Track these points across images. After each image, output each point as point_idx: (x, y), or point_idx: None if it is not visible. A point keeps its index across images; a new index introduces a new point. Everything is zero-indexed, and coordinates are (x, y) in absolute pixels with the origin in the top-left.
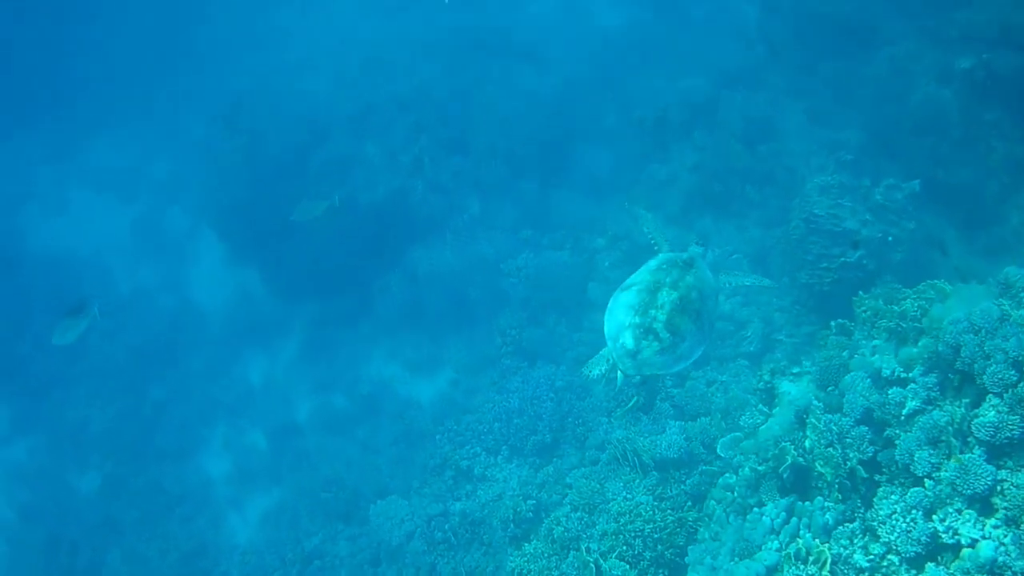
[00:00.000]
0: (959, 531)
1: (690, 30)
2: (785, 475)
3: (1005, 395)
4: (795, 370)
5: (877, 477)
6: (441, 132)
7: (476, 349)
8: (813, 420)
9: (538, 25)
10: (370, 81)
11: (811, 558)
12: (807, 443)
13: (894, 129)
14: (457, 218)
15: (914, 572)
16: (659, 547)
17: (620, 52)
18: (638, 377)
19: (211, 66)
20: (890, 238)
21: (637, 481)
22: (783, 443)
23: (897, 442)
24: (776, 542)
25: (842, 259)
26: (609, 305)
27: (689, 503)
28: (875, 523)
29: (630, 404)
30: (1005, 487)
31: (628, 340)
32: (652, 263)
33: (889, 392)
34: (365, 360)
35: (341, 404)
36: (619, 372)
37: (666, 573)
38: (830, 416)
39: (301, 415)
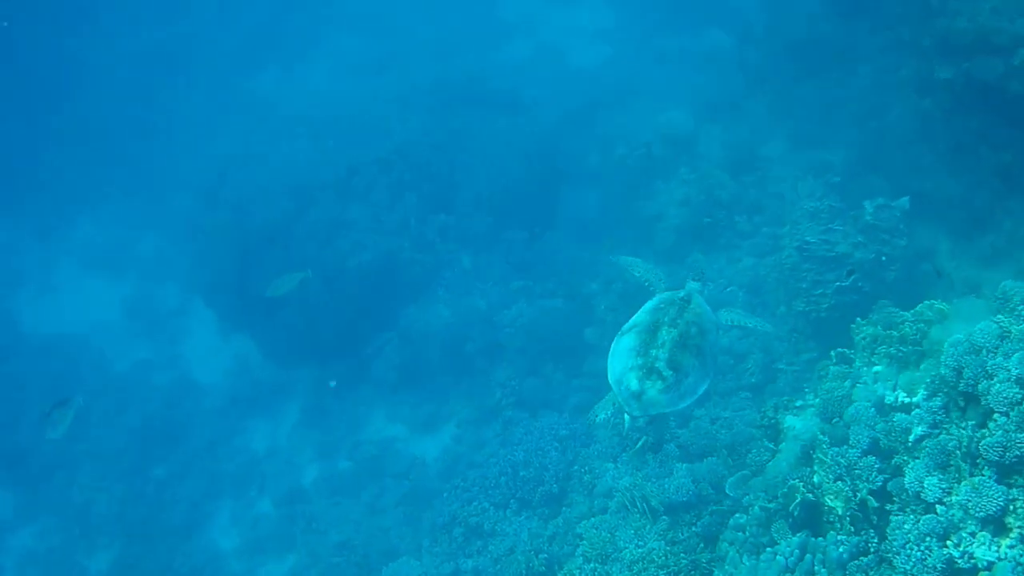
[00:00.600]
0: (974, 555)
1: (665, 64)
2: (796, 512)
3: (1011, 413)
4: (798, 403)
5: (888, 507)
6: (425, 189)
7: (477, 402)
8: (820, 455)
9: (514, 72)
10: (351, 143)
11: None
12: (815, 478)
13: (878, 145)
14: (448, 273)
15: None
16: None
17: (597, 91)
18: (645, 418)
19: (192, 137)
20: (883, 258)
21: (648, 527)
22: (792, 481)
23: (906, 469)
24: None
25: (837, 283)
26: (611, 349)
27: (701, 545)
28: (890, 554)
29: (638, 445)
30: (1017, 506)
31: (632, 382)
32: (650, 304)
33: (894, 419)
34: (366, 422)
35: (346, 467)
36: (625, 415)
37: None
38: (837, 449)
39: (307, 481)
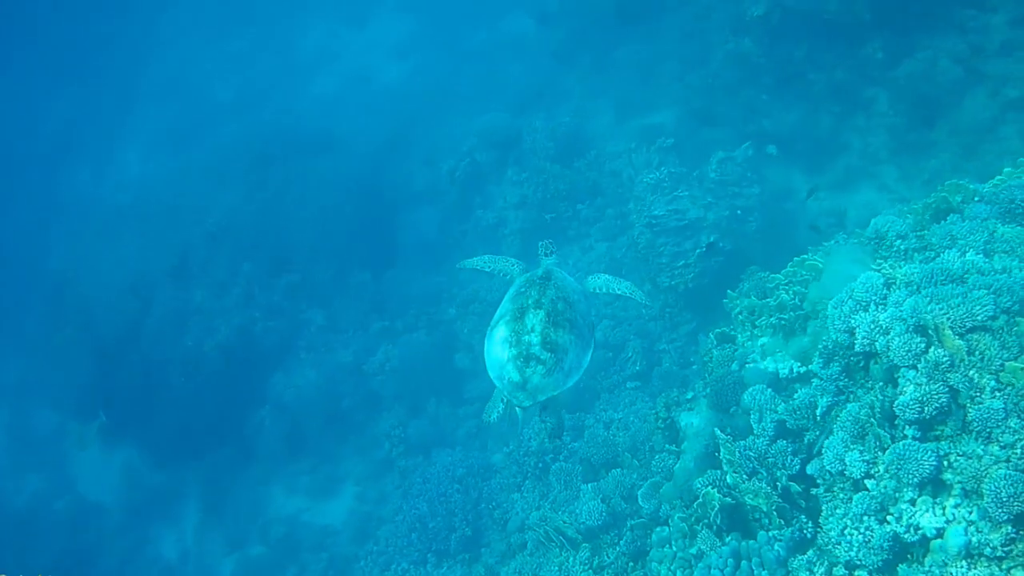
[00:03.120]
0: (920, 525)
1: (473, 62)
2: (718, 521)
3: (919, 365)
4: (689, 396)
5: (813, 490)
6: (260, 254)
7: (367, 456)
8: (726, 455)
9: (323, 110)
10: (175, 228)
11: None
12: (728, 479)
13: (706, 96)
14: (305, 334)
15: None
16: None
17: (410, 108)
18: (536, 406)
19: (23, 256)
20: (739, 212)
21: (571, 560)
22: (706, 489)
23: (823, 447)
24: None
25: (697, 251)
26: (485, 347)
27: (631, 564)
28: (830, 545)
29: (547, 431)
30: (952, 459)
31: (513, 374)
32: (510, 291)
33: (796, 397)
34: (267, 501)
35: (260, 553)
36: (516, 408)
37: None
38: (743, 443)
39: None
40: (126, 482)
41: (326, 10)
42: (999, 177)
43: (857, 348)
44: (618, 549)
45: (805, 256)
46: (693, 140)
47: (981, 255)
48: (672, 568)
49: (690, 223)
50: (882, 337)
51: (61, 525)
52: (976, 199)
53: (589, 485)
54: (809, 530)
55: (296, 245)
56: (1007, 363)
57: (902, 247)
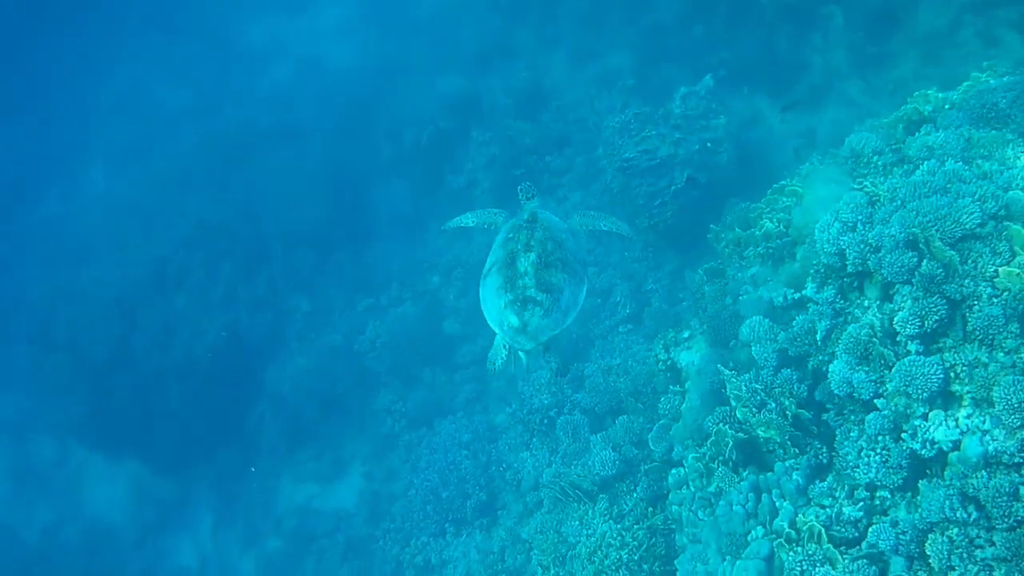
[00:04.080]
0: (935, 439)
1: (421, 31)
2: (733, 457)
3: (913, 280)
4: (685, 335)
5: (824, 416)
6: (237, 251)
7: (371, 433)
8: (733, 391)
9: (279, 101)
10: (149, 239)
11: (804, 535)
12: (738, 414)
13: (660, 33)
14: (292, 323)
15: (910, 495)
16: (644, 567)
17: (367, 85)
18: (538, 348)
19: (3, 287)
20: (708, 144)
21: (590, 512)
22: (717, 426)
23: (828, 371)
24: (759, 528)
25: (673, 188)
26: (481, 297)
27: (650, 509)
28: (848, 469)
29: (552, 370)
30: (958, 370)
31: (512, 319)
32: (498, 238)
33: (795, 324)
34: (277, 494)
35: (277, 545)
36: (520, 352)
37: None
38: (748, 375)
39: (247, 574)
40: (135, 497)
41: (265, 3)
42: (967, 83)
43: (849, 269)
44: (636, 495)
45: (784, 182)
46: (653, 78)
47: (961, 163)
48: (693, 508)
49: (662, 161)
50: (873, 255)
51: (77, 551)
52: (947, 107)
53: (598, 435)
54: (824, 455)
55: (271, 237)
56: (1000, 269)
57: (880, 163)
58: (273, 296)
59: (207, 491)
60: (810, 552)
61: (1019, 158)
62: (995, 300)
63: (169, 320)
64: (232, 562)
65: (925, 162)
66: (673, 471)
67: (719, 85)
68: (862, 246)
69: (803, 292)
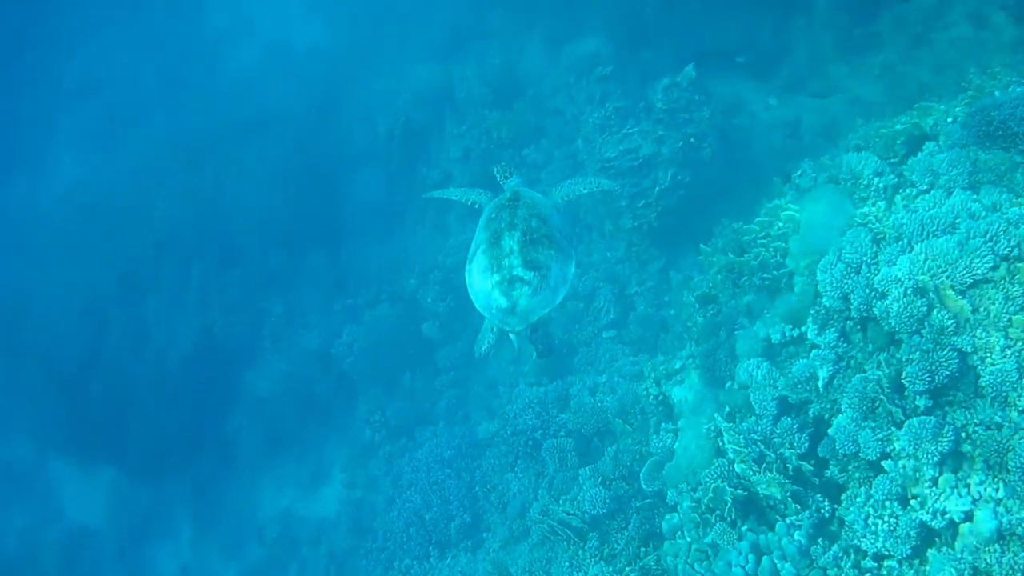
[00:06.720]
0: (946, 510)
1: (393, 11)
2: (732, 515)
3: (923, 330)
4: (677, 365)
5: (827, 473)
6: (209, 252)
7: (350, 439)
8: (731, 444)
9: (248, 87)
10: (118, 240)
11: None
12: (736, 468)
13: (639, 16)
14: (267, 326)
15: (918, 563)
16: None
17: (339, 69)
18: (528, 328)
19: None
20: (692, 139)
21: (580, 552)
22: (715, 483)
23: (832, 423)
24: None
25: (658, 188)
26: (467, 280)
27: (642, 549)
28: (855, 539)
29: (532, 359)
30: (970, 431)
31: (500, 300)
32: (482, 219)
33: (794, 369)
34: (258, 500)
35: (259, 554)
36: (510, 335)
37: None
38: (746, 426)
39: None
40: (114, 504)
41: None
42: (971, 92)
43: (853, 313)
44: (627, 534)
45: (778, 202)
46: (632, 65)
47: (968, 191)
48: (689, 561)
49: (645, 160)
50: (879, 302)
51: (56, 558)
52: (950, 120)
53: (587, 469)
54: (826, 509)
55: (243, 235)
56: (1014, 317)
57: (880, 184)
58: (247, 298)
59: (186, 498)
60: None
61: None
62: (1008, 352)
63: (141, 325)
64: (214, 571)
65: (930, 192)
66: (668, 516)
67: (701, 69)
68: (868, 291)
69: (802, 329)
